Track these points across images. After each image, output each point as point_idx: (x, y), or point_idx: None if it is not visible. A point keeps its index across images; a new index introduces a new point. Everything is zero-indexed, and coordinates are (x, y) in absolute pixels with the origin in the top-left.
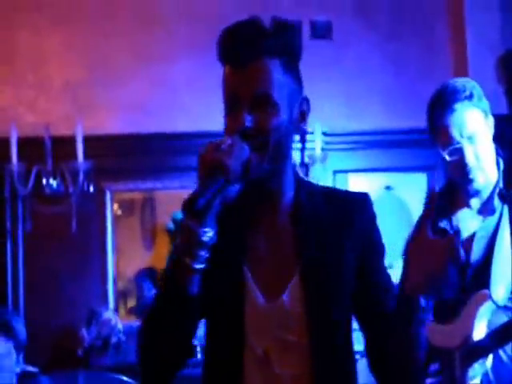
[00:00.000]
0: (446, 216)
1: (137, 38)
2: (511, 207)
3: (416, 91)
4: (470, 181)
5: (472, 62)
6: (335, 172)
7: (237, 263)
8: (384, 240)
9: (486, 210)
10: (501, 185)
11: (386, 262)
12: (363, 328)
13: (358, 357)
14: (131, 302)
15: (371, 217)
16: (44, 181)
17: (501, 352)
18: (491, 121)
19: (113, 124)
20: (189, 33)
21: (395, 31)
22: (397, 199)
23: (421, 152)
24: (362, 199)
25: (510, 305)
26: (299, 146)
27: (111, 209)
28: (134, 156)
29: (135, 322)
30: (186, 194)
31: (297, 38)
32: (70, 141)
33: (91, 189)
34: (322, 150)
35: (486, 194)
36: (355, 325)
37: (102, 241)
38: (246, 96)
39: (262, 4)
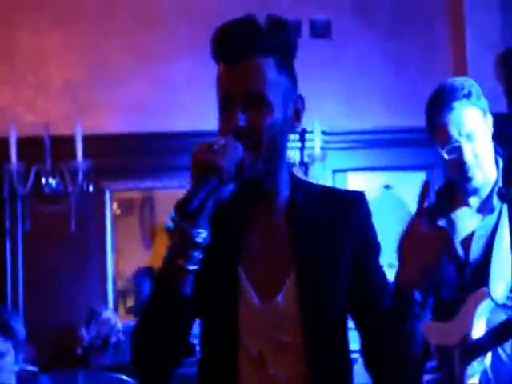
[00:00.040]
0: (444, 215)
1: (137, 38)
2: (510, 206)
3: (415, 90)
4: (469, 179)
5: (472, 62)
6: (334, 171)
7: (231, 263)
8: (383, 239)
9: (485, 208)
10: (500, 183)
11: (386, 261)
12: (358, 326)
13: (356, 356)
14: (130, 302)
15: (367, 215)
16: (43, 180)
17: (500, 350)
18: (490, 119)
19: (112, 124)
20: (189, 33)
21: (395, 30)
22: (396, 198)
23: (420, 151)
24: (358, 198)
25: (508, 303)
26: (299, 145)
27: (110, 208)
28: (133, 155)
29: (134, 322)
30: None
31: (291, 36)
32: (70, 140)
33: (90, 188)
34: (322, 149)
35: (485, 193)
36: (351, 324)
37: (101, 240)
38: (239, 95)
39: (261, 3)
